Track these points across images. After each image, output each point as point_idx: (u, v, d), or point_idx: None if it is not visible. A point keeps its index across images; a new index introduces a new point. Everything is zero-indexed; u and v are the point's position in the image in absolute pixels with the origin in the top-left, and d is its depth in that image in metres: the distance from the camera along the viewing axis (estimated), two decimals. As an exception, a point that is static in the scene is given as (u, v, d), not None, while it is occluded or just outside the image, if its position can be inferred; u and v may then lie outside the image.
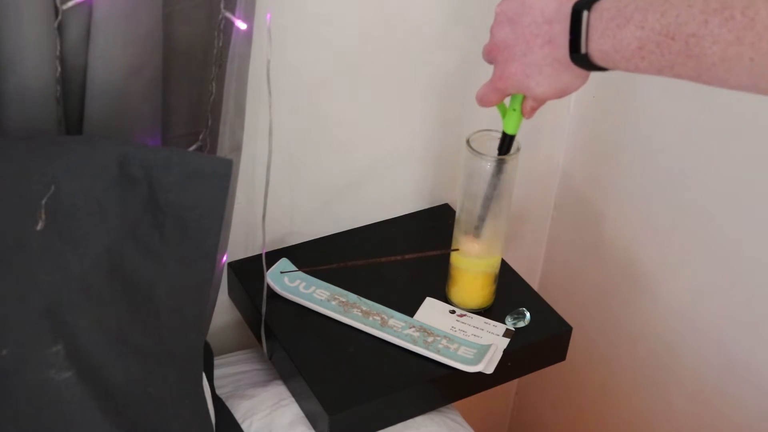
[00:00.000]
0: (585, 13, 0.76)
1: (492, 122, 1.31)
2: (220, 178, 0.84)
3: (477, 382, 1.10)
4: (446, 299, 1.19)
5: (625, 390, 1.48)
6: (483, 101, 0.93)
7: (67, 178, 0.80)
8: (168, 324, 0.87)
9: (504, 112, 0.99)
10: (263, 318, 1.13)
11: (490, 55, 0.90)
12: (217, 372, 1.19)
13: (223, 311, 1.27)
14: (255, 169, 1.10)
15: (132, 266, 0.84)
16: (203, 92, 1.01)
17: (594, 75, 0.82)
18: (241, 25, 0.94)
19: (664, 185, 1.30)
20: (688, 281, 1.30)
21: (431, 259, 1.18)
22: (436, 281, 1.20)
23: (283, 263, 1.20)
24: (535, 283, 1.60)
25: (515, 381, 1.70)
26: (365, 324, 1.12)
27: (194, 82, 1.00)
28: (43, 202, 0.79)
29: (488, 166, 1.07)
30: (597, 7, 0.76)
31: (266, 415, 1.11)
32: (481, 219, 1.09)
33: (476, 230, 1.11)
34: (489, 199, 1.07)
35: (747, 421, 1.27)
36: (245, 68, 0.99)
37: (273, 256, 1.20)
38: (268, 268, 1.14)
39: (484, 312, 1.17)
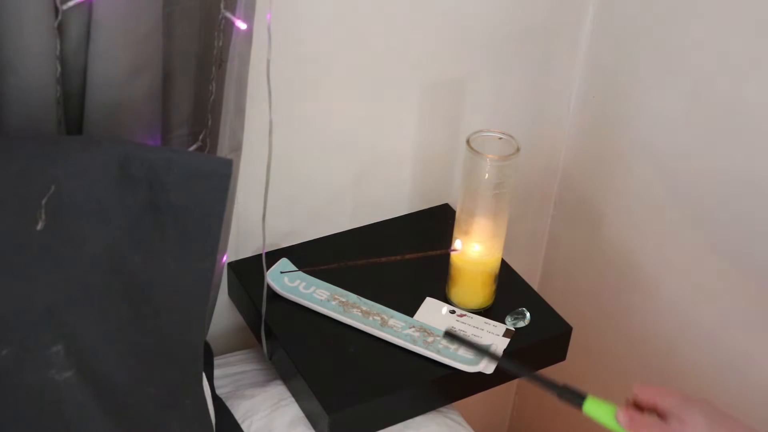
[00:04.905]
0: None
1: (491, 122, 1.31)
2: (221, 178, 0.84)
3: (477, 382, 1.10)
4: (446, 299, 1.18)
5: (625, 390, 1.47)
6: (631, 425, 0.90)
7: (67, 178, 0.80)
8: (168, 324, 0.87)
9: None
10: (263, 318, 1.13)
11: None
12: (217, 372, 1.19)
13: (223, 311, 1.27)
14: (255, 169, 1.10)
15: (132, 266, 0.84)
16: (203, 92, 1.01)
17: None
18: (241, 25, 0.94)
19: (664, 185, 1.30)
20: (687, 281, 1.30)
21: (431, 259, 1.18)
22: (436, 281, 1.20)
23: (283, 263, 1.19)
24: (535, 283, 1.60)
25: (515, 381, 1.70)
26: (365, 324, 1.12)
27: (194, 82, 1.00)
28: (43, 202, 0.79)
29: (488, 166, 1.07)
30: None
31: (266, 415, 1.11)
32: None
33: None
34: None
35: (747, 421, 1.26)
36: (245, 68, 0.99)
37: (273, 256, 1.20)
38: (268, 268, 1.14)
39: (484, 312, 1.17)
